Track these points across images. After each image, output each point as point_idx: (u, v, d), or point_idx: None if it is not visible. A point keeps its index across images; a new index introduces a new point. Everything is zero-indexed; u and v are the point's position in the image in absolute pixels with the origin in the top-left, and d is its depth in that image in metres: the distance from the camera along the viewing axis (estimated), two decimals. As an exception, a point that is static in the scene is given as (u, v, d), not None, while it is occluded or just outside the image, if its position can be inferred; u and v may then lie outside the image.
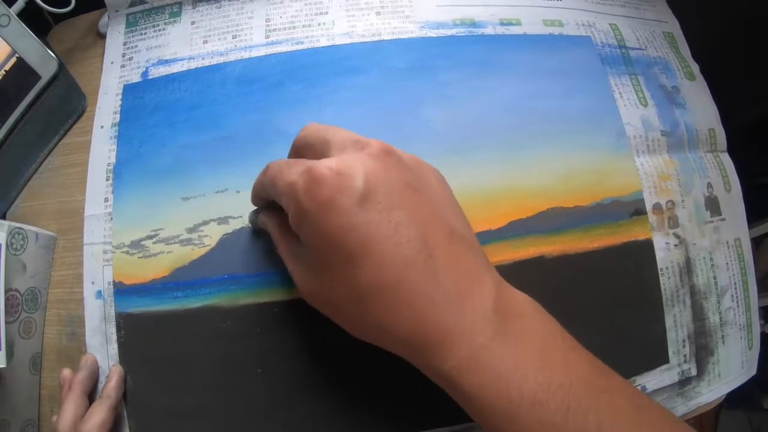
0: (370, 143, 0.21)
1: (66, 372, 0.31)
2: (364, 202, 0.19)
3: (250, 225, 0.31)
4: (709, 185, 0.37)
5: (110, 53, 0.37)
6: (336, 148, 0.21)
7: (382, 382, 0.30)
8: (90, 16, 0.40)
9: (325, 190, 0.19)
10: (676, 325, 0.34)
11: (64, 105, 0.36)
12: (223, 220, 0.31)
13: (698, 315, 0.34)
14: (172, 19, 0.37)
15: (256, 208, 0.29)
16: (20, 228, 0.31)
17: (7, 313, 0.29)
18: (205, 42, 0.36)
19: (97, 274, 0.32)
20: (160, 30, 0.37)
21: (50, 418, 0.31)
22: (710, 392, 0.35)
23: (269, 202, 0.26)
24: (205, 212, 0.31)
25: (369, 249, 0.19)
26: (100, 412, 0.29)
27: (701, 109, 0.38)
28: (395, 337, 0.20)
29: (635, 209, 0.34)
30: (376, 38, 0.35)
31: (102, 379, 0.31)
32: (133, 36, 0.37)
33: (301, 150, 0.24)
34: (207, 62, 0.35)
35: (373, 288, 0.19)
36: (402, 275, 0.19)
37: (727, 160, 0.38)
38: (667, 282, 0.34)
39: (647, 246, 0.33)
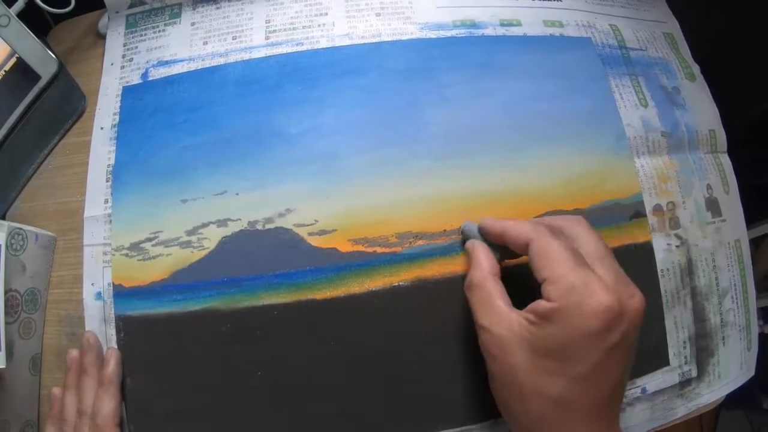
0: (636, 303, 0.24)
1: (75, 353, 0.31)
2: (612, 350, 0.23)
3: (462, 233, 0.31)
4: (709, 186, 0.36)
5: (110, 54, 0.37)
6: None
7: (383, 384, 0.30)
8: (90, 17, 0.40)
9: (622, 327, 0.23)
10: (677, 326, 0.34)
11: (64, 105, 0.36)
12: (222, 223, 0.31)
13: (699, 316, 0.34)
14: (171, 21, 0.37)
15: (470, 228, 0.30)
16: (20, 228, 0.31)
17: (6, 313, 0.29)
18: (205, 43, 0.36)
19: (97, 275, 0.32)
20: (159, 31, 0.37)
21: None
22: (710, 393, 0.35)
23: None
24: (204, 215, 0.31)
25: (586, 377, 0.23)
26: (108, 400, 0.28)
27: (702, 110, 0.38)
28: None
29: (635, 212, 0.34)
30: (377, 39, 0.35)
31: None
32: (132, 37, 0.37)
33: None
34: (207, 63, 0.35)
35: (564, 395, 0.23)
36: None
37: (726, 161, 0.38)
38: (668, 283, 0.34)
39: (647, 248, 0.33)
